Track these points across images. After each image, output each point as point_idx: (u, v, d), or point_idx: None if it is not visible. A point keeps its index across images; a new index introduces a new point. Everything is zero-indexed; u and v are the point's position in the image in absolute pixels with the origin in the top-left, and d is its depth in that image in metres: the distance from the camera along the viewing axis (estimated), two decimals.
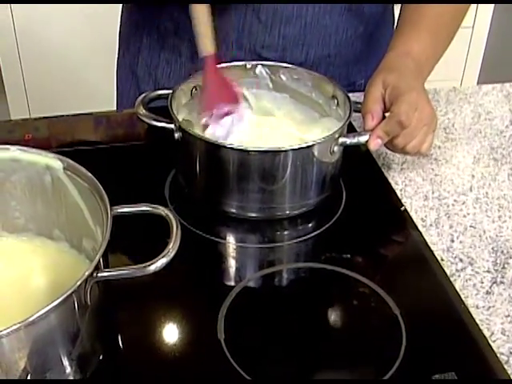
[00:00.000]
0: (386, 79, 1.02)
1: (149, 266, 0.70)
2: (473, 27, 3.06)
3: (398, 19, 1.17)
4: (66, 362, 0.70)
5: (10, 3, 2.56)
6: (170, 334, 0.83)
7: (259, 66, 1.11)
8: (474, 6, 2.97)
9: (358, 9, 1.21)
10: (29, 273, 0.84)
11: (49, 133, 1.21)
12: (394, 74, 1.03)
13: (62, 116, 1.24)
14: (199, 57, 1.04)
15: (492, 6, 3.02)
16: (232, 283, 0.91)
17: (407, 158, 1.12)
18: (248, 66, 1.10)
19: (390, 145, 1.03)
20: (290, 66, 1.10)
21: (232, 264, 0.96)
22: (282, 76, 1.11)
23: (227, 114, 1.04)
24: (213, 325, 0.82)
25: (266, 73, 1.11)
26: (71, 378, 0.72)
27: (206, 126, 1.04)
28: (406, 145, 1.02)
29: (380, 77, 1.03)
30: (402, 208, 1.03)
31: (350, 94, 1.04)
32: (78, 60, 2.70)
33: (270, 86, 1.12)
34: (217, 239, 0.98)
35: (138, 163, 1.11)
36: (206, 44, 1.03)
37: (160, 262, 0.70)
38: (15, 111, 2.79)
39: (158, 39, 1.28)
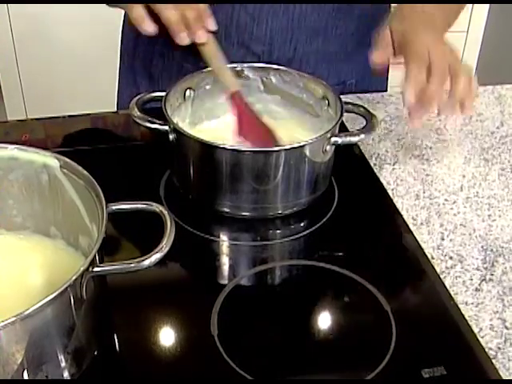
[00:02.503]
0: (396, 28, 1.04)
1: (143, 260, 0.71)
2: (467, 31, 3.08)
3: None
4: (61, 356, 0.71)
5: (10, 3, 2.57)
6: (164, 329, 0.84)
7: (249, 68, 1.12)
8: (468, 10, 2.99)
9: (348, 7, 1.22)
10: (26, 270, 0.85)
11: (45, 134, 1.22)
12: (401, 20, 1.05)
13: (59, 117, 1.25)
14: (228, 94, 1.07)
15: (486, 10, 3.04)
16: (225, 280, 0.92)
17: (399, 159, 1.14)
18: (238, 69, 1.11)
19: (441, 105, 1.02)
20: (280, 67, 1.11)
21: (225, 261, 0.97)
22: (273, 78, 1.12)
23: None
24: (206, 320, 0.84)
25: (257, 75, 1.12)
26: (67, 371, 0.73)
27: None
28: (450, 89, 1.00)
29: (390, 25, 1.05)
30: (396, 213, 1.04)
31: (341, 96, 1.06)
32: (76, 61, 2.71)
33: (261, 88, 1.13)
34: (211, 237, 0.99)
35: (134, 164, 1.12)
36: (229, 82, 1.07)
37: (154, 257, 0.71)
38: (12, 112, 2.80)
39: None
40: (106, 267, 0.72)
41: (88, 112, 1.27)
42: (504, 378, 0.79)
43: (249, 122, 1.07)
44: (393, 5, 1.12)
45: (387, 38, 1.04)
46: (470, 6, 2.98)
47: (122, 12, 1.41)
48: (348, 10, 1.23)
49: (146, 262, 0.71)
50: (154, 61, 1.32)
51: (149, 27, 1.04)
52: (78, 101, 2.62)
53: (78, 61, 2.71)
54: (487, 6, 3.03)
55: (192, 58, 1.24)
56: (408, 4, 1.09)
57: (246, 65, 1.12)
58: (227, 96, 1.07)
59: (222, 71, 1.07)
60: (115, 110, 1.44)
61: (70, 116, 1.26)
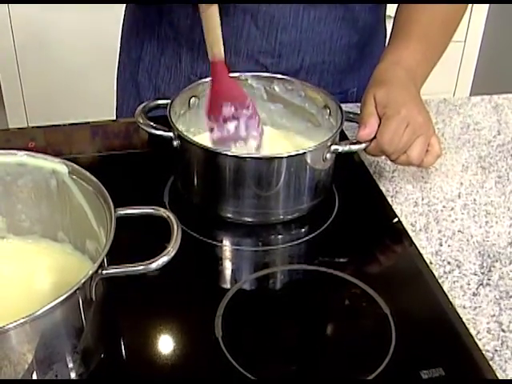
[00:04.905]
0: (376, 95, 1.05)
1: (150, 263, 0.73)
2: (465, 41, 3.10)
3: (391, 32, 1.20)
4: (70, 356, 0.73)
5: (10, 3, 2.58)
6: (170, 332, 0.86)
7: (253, 78, 1.14)
8: (465, 20, 3.00)
9: (352, 18, 1.25)
10: (34, 274, 0.87)
11: (46, 142, 1.24)
12: (383, 88, 1.05)
13: (59, 125, 1.27)
14: (210, 61, 1.06)
15: (484, 20, 3.06)
16: (228, 284, 0.94)
17: (398, 167, 1.15)
18: (242, 78, 1.13)
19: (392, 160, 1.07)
20: (283, 76, 1.13)
21: (228, 266, 0.99)
22: (276, 87, 1.14)
23: (233, 117, 1.07)
24: (211, 324, 0.85)
25: (260, 84, 1.14)
26: (75, 371, 0.75)
27: (211, 130, 1.08)
28: (407, 160, 1.05)
29: (371, 92, 1.06)
30: (395, 220, 1.06)
31: (342, 105, 1.07)
32: (77, 69, 2.72)
33: (265, 97, 1.15)
34: (214, 242, 1.01)
35: (138, 171, 1.14)
36: (216, 50, 1.05)
37: (161, 260, 0.73)
38: (13, 120, 2.82)
39: (158, 46, 1.31)
40: (115, 270, 0.73)
41: (89, 120, 1.28)
42: (501, 379, 0.81)
43: (225, 93, 1.07)
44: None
45: (372, 109, 1.05)
46: (467, 15, 3.00)
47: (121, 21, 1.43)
48: (352, 20, 1.25)
49: (154, 265, 0.73)
50: (160, 73, 1.33)
51: None
52: (78, 109, 2.63)
53: (79, 69, 2.72)
54: (485, 15, 3.05)
55: (199, 71, 1.27)
56: (384, 64, 1.12)
57: (249, 74, 1.13)
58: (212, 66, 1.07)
59: (212, 38, 1.05)
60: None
61: (70, 124, 1.27)
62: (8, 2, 2.58)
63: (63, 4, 2.57)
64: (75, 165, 0.83)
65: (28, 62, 2.72)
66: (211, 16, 1.03)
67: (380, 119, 1.03)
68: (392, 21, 1.21)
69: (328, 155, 1.01)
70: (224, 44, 1.22)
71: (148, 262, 0.73)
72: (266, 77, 1.14)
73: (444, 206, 1.09)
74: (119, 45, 1.44)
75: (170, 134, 1.02)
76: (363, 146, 1.03)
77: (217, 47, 1.05)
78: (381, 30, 1.39)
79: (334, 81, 1.32)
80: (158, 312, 0.88)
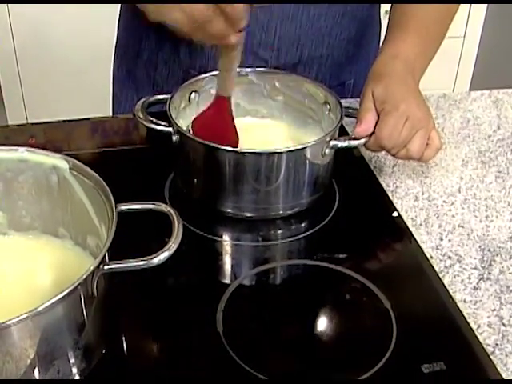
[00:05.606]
0: (375, 91, 1.05)
1: (152, 258, 0.73)
2: (464, 37, 3.10)
3: (387, 25, 1.21)
4: (72, 352, 0.73)
5: (10, 3, 2.58)
6: (171, 328, 0.86)
7: (254, 73, 1.14)
8: (465, 16, 3.01)
9: (351, 13, 1.25)
10: (35, 270, 0.87)
11: (45, 138, 1.24)
12: (381, 83, 1.06)
13: (59, 122, 1.27)
14: (218, 94, 1.03)
15: (483, 15, 3.06)
16: (229, 279, 0.94)
17: (398, 161, 1.15)
18: (243, 73, 1.13)
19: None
20: (284, 72, 1.14)
21: (229, 261, 0.99)
22: (277, 83, 1.14)
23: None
24: (212, 318, 0.86)
25: (261, 79, 1.14)
26: (76, 367, 0.75)
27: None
28: (407, 154, 1.05)
29: (369, 87, 1.06)
30: (395, 214, 1.06)
31: (342, 100, 1.07)
32: (76, 66, 2.72)
33: (265, 92, 1.15)
34: (214, 237, 1.01)
35: (138, 167, 1.14)
36: (226, 87, 1.02)
37: (163, 256, 0.73)
38: (12, 116, 2.82)
39: (157, 41, 1.31)
40: (117, 265, 0.73)
41: (88, 116, 1.28)
42: (501, 372, 0.81)
43: (212, 125, 1.05)
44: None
45: (370, 105, 1.05)
46: (467, 11, 3.01)
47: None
48: (352, 14, 1.26)
49: (155, 260, 0.73)
50: (158, 68, 1.33)
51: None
52: (77, 106, 2.64)
53: (78, 67, 2.73)
54: (484, 11, 3.06)
55: (198, 64, 1.26)
56: (382, 58, 1.12)
57: (250, 70, 1.13)
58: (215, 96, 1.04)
59: (226, 73, 1.00)
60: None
61: (69, 120, 1.27)
62: (8, 2, 2.58)
63: (63, 4, 2.58)
64: (76, 160, 0.83)
65: (27, 59, 2.73)
66: (232, 58, 0.98)
67: (378, 115, 1.03)
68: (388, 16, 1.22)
69: (327, 150, 1.01)
70: None
71: (149, 257, 0.73)
72: (267, 72, 1.14)
73: (444, 201, 1.09)
74: (115, 40, 1.43)
75: (170, 129, 1.02)
76: (362, 141, 1.04)
77: (229, 85, 1.02)
78: (376, 22, 1.39)
79: (331, 73, 1.32)
80: (159, 307, 0.89)
